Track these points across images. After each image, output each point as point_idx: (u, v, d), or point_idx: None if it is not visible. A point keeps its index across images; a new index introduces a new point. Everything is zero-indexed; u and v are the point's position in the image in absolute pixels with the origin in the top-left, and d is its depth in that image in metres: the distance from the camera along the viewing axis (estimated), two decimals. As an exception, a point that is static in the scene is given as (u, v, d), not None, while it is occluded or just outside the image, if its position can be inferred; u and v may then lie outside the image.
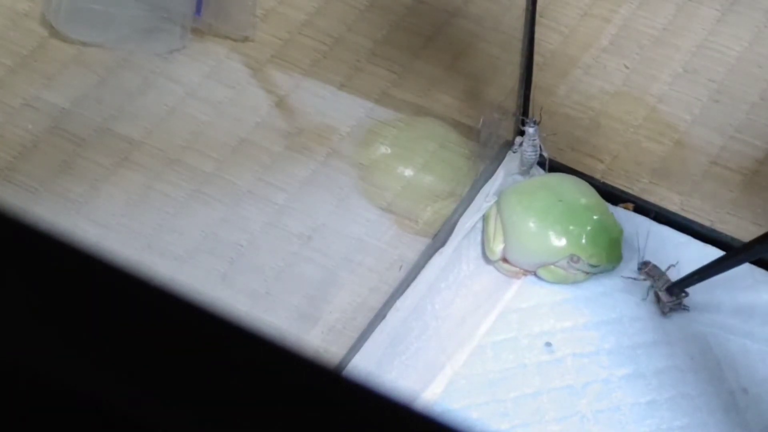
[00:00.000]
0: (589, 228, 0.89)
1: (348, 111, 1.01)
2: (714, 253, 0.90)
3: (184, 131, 0.98)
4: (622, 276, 0.91)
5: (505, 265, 0.92)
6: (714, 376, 0.86)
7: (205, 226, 0.93)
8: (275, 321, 0.89)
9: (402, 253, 0.93)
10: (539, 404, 0.86)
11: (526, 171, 0.97)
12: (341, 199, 0.96)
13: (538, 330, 0.89)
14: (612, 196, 0.95)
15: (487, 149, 0.98)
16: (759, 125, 0.99)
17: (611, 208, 0.94)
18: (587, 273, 0.90)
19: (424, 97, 1.03)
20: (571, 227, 0.89)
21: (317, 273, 0.91)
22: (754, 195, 0.95)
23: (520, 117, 0.96)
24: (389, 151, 0.98)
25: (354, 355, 0.87)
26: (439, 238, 0.94)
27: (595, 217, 0.90)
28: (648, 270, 0.89)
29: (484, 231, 0.94)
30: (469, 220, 0.94)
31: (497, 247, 0.91)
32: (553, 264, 0.90)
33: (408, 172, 0.97)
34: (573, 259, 0.89)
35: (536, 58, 0.97)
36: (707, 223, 0.94)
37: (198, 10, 1.02)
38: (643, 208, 0.95)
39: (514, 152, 0.97)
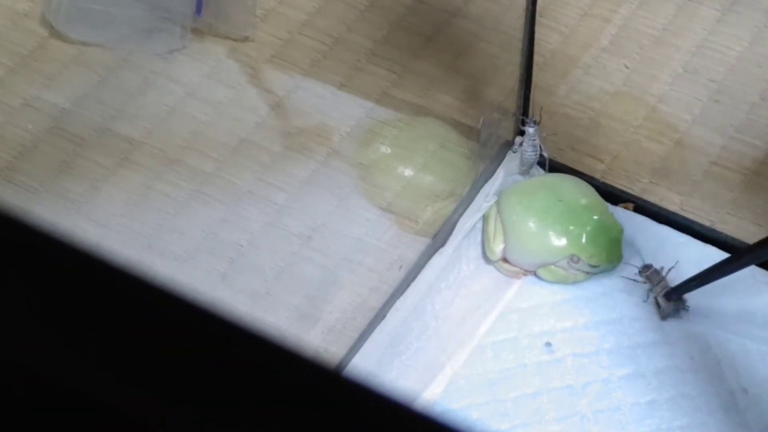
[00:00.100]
0: (589, 228, 0.89)
1: (348, 111, 1.01)
2: (714, 253, 0.90)
3: (184, 131, 0.98)
4: (622, 276, 0.91)
5: (505, 265, 0.92)
6: (714, 376, 0.86)
7: (205, 226, 0.93)
8: (275, 321, 0.89)
9: (402, 253, 0.93)
10: (539, 404, 0.86)
11: (526, 171, 0.97)
12: (341, 199, 0.96)
13: (538, 330, 0.89)
14: (612, 196, 0.95)
15: (487, 149, 0.98)
16: (759, 125, 0.99)
17: (611, 208, 0.94)
18: (587, 273, 0.90)
19: (424, 97, 1.03)
20: (571, 227, 0.89)
21: (317, 273, 0.91)
22: (755, 195, 0.95)
23: (520, 117, 0.96)
24: (389, 151, 0.98)
25: (354, 355, 0.87)
26: (439, 238, 0.94)
27: (595, 217, 0.90)
28: (648, 274, 0.89)
29: (484, 231, 0.94)
30: (469, 220, 0.94)
31: (497, 247, 0.91)
32: (553, 264, 0.90)
33: (408, 172, 0.97)
34: (573, 259, 0.89)
35: (536, 58, 0.97)
36: (707, 223, 0.94)
37: (198, 10, 1.02)
38: (643, 208, 0.95)
39: (514, 152, 0.97)
